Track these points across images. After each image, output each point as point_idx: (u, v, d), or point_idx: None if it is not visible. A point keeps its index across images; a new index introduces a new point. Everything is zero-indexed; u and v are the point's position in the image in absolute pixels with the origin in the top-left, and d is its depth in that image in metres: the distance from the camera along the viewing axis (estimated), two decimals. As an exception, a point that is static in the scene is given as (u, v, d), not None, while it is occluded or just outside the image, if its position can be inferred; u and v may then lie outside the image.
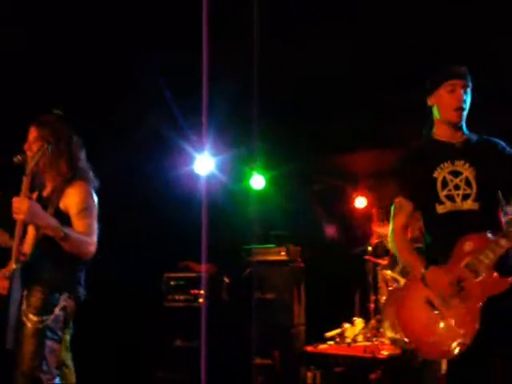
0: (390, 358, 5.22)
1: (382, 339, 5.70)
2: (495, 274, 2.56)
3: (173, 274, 5.91)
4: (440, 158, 2.81)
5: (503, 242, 2.57)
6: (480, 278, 2.58)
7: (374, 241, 6.59)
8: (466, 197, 2.71)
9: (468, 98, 2.77)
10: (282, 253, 5.93)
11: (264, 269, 5.90)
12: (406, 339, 2.98)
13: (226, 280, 5.90)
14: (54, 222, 2.95)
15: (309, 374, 5.50)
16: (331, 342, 6.08)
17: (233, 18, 3.91)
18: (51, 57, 4.53)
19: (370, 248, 6.61)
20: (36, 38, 4.30)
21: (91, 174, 3.27)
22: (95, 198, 3.19)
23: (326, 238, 7.42)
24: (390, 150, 6.86)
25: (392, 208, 2.91)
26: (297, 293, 5.97)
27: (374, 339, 5.98)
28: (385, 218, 7.89)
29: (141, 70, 4.86)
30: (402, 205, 2.87)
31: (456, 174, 2.75)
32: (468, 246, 2.62)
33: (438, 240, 2.80)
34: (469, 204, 2.70)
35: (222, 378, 5.29)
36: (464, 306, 2.56)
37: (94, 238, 3.10)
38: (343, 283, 6.96)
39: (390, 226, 2.92)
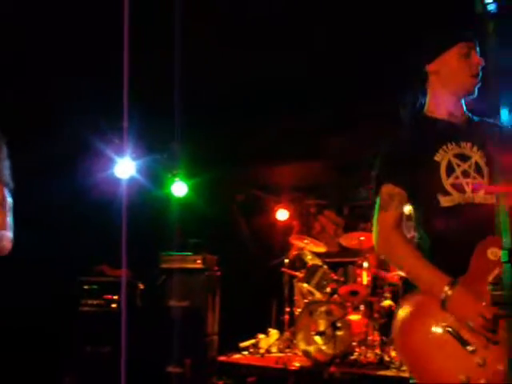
0: (301, 370, 5.26)
1: (295, 351, 5.75)
2: None
3: (86, 278, 5.75)
4: (442, 137, 2.20)
5: None
6: None
7: (293, 253, 6.66)
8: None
9: None
10: (198, 261, 5.89)
11: (179, 276, 5.83)
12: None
13: (141, 286, 5.81)
14: None
15: (220, 384, 5.48)
16: (245, 353, 6.09)
17: (154, 21, 3.87)
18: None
19: (286, 260, 6.67)
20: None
21: (7, 175, 3.14)
22: (10, 200, 3.08)
23: (244, 249, 7.44)
24: (313, 163, 7.00)
25: (377, 201, 2.22)
26: (211, 302, 5.94)
27: (287, 351, 6.03)
28: (304, 230, 8.02)
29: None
30: (393, 194, 2.17)
31: (463, 157, 2.15)
32: (492, 253, 1.91)
33: (444, 244, 2.11)
34: (481, 196, 2.09)
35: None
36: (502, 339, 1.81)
37: (12, 235, 2.98)
38: (260, 294, 6.99)
39: (375, 226, 2.20)
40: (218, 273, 6.16)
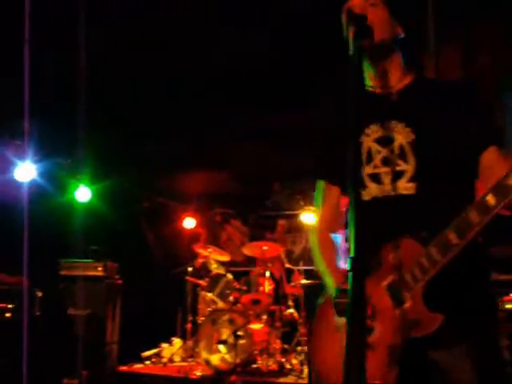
0: (202, 379, 5.24)
1: (198, 360, 5.73)
2: (423, 306, 1.63)
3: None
4: (367, 118, 1.84)
5: (433, 250, 1.60)
6: (399, 310, 1.67)
7: (198, 262, 6.64)
8: (398, 175, 1.78)
9: None
10: (99, 268, 5.77)
11: (80, 284, 5.68)
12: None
13: (39, 294, 5.59)
14: None
15: (119, 395, 5.38)
16: (147, 362, 6.00)
17: (57, 20, 3.77)
18: None
19: (190, 269, 6.65)
20: None
21: None
22: None
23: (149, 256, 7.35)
24: (220, 172, 7.05)
25: (316, 195, 2.05)
26: (112, 310, 5.82)
27: (190, 360, 6.00)
28: (211, 239, 8.03)
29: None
30: (327, 190, 2.02)
31: (386, 141, 1.81)
32: (394, 256, 1.69)
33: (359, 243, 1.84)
34: (402, 186, 1.77)
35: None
36: (378, 346, 1.67)
37: None
38: (163, 303, 6.92)
39: (315, 219, 2.10)
40: (119, 281, 6.04)
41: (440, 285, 1.63)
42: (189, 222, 7.98)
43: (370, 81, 1.91)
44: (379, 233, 1.66)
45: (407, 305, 1.65)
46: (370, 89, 1.91)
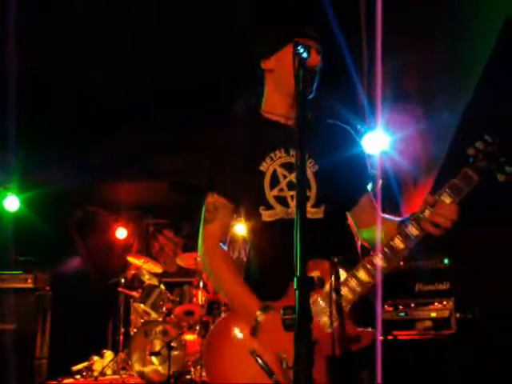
0: (135, 392, 5.21)
1: (131, 372, 5.67)
2: (351, 325, 1.77)
3: None
4: (270, 144, 1.99)
5: (363, 275, 1.79)
6: (330, 329, 1.77)
7: (131, 272, 6.59)
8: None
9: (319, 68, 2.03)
10: (29, 280, 5.61)
11: (7, 296, 5.50)
12: None
13: (-37, 307, 5.40)
14: None
15: (49, 411, 5.25)
16: (78, 376, 5.89)
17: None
18: None
19: (123, 280, 6.58)
20: None
21: None
22: None
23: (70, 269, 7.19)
24: (153, 182, 7.01)
25: (203, 211, 2.05)
26: (41, 323, 5.67)
27: (122, 372, 5.93)
28: (144, 249, 7.98)
29: None
30: (217, 205, 2.02)
31: (291, 167, 1.95)
32: (314, 275, 1.78)
33: (264, 263, 1.97)
34: (307, 211, 1.87)
35: None
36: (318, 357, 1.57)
37: None
38: (95, 314, 6.80)
39: (200, 239, 2.05)
40: (50, 292, 5.90)
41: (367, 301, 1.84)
42: (121, 232, 7.90)
43: (280, 109, 2.06)
44: (285, 253, 1.59)
45: (335, 324, 1.77)
46: (277, 117, 2.06)
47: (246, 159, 1.99)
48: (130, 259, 6.56)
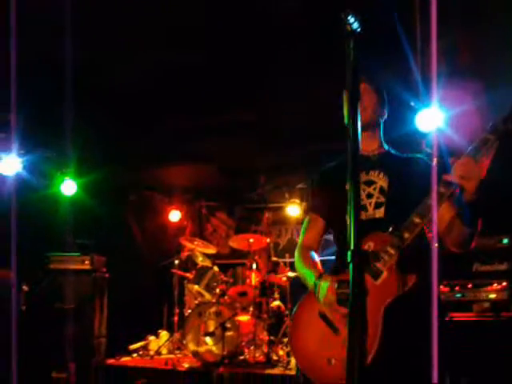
0: (190, 371, 5.27)
1: (185, 352, 5.76)
2: (397, 273, 2.19)
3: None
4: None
5: (405, 233, 2.20)
6: (381, 279, 2.20)
7: (184, 254, 6.67)
8: (378, 205, 2.43)
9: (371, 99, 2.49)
10: (86, 262, 5.75)
11: (66, 278, 5.67)
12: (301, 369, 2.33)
13: (25, 288, 5.58)
14: None
15: (107, 388, 5.39)
16: (134, 355, 6.02)
17: (43, 12, 3.73)
18: None
19: (177, 261, 6.67)
20: None
21: None
22: None
23: (135, 249, 7.34)
24: (205, 165, 7.06)
25: (305, 221, 2.67)
26: (99, 303, 5.82)
27: (177, 352, 6.04)
28: (197, 232, 8.07)
29: None
30: (314, 221, 2.62)
31: (369, 183, 2.48)
32: (368, 246, 2.25)
33: (344, 252, 2.31)
34: (381, 212, 2.41)
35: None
36: None
37: None
38: (150, 296, 6.93)
39: (299, 240, 2.65)
40: (107, 274, 6.04)
41: (407, 258, 2.19)
42: (174, 215, 8.01)
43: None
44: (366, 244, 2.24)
45: (384, 274, 2.18)
46: (361, 151, 2.47)
47: (338, 183, 2.37)
48: (184, 241, 6.64)
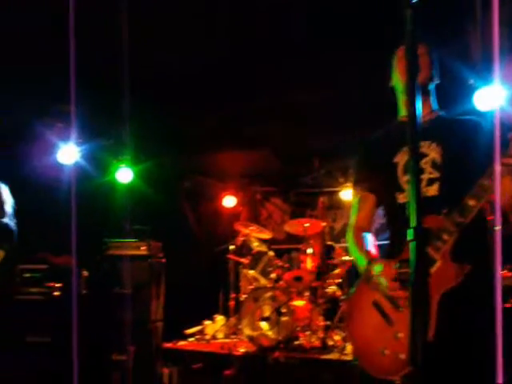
0: (246, 355, 5.29)
1: (241, 336, 5.79)
2: (452, 262, 2.06)
3: (27, 266, 5.61)
4: (402, 140, 2.13)
5: (459, 218, 2.05)
6: (435, 267, 2.07)
7: (239, 240, 6.68)
8: (431, 181, 2.24)
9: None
10: (143, 247, 5.82)
11: (124, 263, 5.76)
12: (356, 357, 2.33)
13: (85, 273, 5.71)
14: None
15: (165, 371, 5.46)
16: (191, 339, 6.10)
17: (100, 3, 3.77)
18: None
19: (232, 247, 6.69)
20: None
21: None
22: None
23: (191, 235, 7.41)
24: (259, 150, 7.04)
25: (354, 201, 2.53)
26: (156, 288, 5.90)
27: (233, 336, 6.07)
28: (252, 217, 8.07)
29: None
30: (364, 198, 2.48)
31: (421, 155, 2.24)
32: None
33: (398, 234, 2.30)
34: (434, 189, 2.22)
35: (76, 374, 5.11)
36: None
37: None
38: (205, 281, 6.99)
39: (350, 220, 2.52)
40: (163, 259, 6.11)
41: (462, 244, 2.07)
42: (229, 201, 8.03)
43: (405, 111, 2.44)
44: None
45: (439, 263, 2.06)
46: (404, 118, 2.41)
47: (385, 155, 2.37)
48: (239, 227, 6.65)
